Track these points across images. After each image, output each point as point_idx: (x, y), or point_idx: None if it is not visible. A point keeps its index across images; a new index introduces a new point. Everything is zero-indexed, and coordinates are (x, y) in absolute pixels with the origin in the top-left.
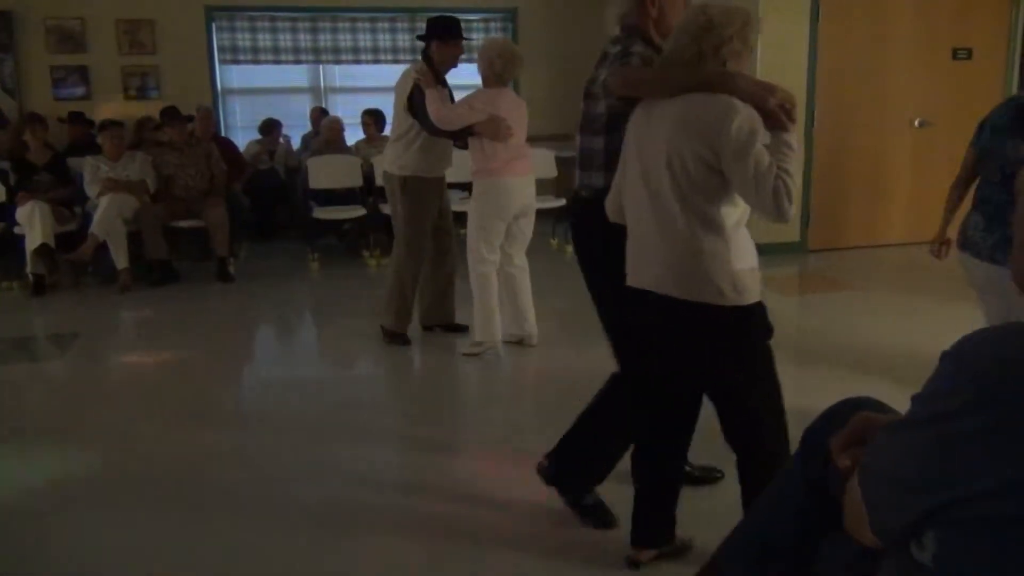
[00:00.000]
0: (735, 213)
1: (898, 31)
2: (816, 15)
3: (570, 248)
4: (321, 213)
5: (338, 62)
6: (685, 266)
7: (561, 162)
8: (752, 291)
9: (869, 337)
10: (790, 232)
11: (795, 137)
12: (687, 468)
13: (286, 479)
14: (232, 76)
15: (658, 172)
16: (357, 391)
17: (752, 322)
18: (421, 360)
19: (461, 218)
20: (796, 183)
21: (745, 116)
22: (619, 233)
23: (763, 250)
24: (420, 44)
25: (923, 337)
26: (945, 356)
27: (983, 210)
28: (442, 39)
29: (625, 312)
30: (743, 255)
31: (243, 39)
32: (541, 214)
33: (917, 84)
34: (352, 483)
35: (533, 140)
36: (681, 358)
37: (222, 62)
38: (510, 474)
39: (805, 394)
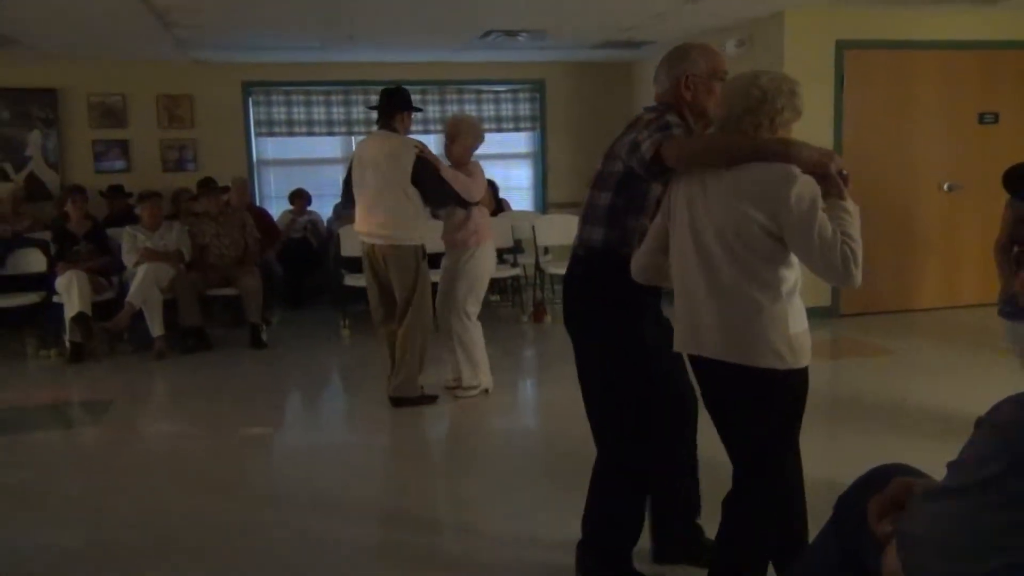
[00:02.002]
0: (791, 277)
1: (923, 96)
2: (840, 81)
3: None
4: (352, 280)
5: (369, 133)
6: (743, 331)
7: None
8: (807, 354)
9: (904, 402)
10: (822, 296)
11: (851, 202)
12: (702, 541)
13: (315, 553)
14: (267, 148)
15: (714, 239)
16: (389, 461)
17: (803, 385)
18: (450, 424)
19: None
20: (860, 246)
21: (804, 184)
22: (623, 289)
23: None
24: (433, 112)
25: (958, 402)
26: (980, 423)
27: None
28: (408, 110)
29: (627, 375)
30: (799, 318)
31: (278, 112)
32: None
33: (944, 148)
34: (377, 559)
35: (559, 207)
36: (727, 421)
37: (258, 135)
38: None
39: (838, 461)
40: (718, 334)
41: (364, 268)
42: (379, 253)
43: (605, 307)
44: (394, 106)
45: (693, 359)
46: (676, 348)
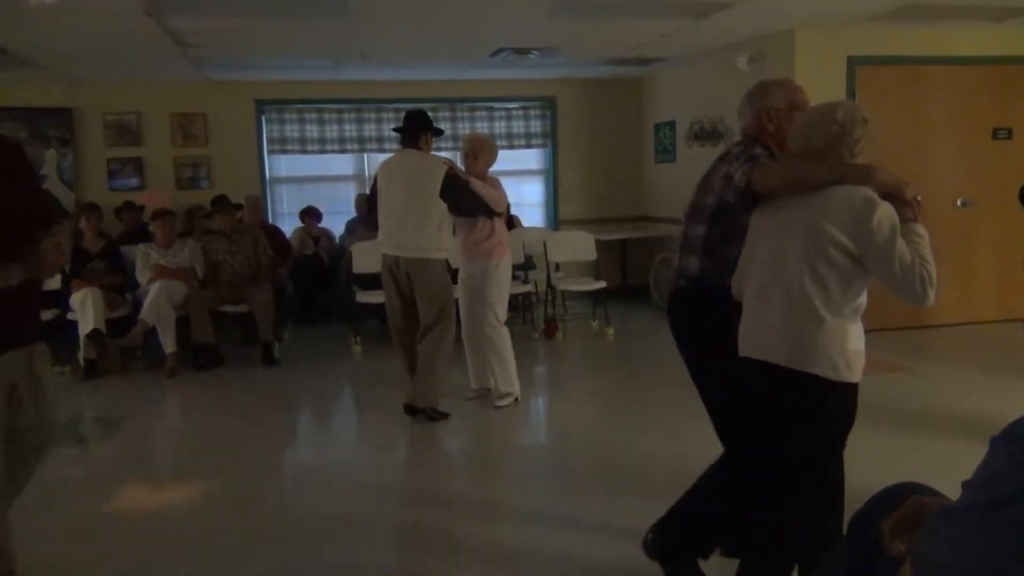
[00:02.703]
0: (859, 299)
1: (936, 112)
2: (852, 98)
3: (611, 330)
4: (364, 297)
5: (381, 151)
6: (806, 340)
7: (600, 245)
8: (859, 371)
9: (921, 419)
10: None
11: (922, 226)
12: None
13: (331, 568)
14: (280, 165)
15: (793, 257)
16: (404, 476)
17: (852, 399)
18: (468, 437)
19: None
20: (934, 268)
21: (884, 210)
22: (718, 317)
23: None
24: (447, 131)
25: (974, 419)
26: (995, 441)
27: None
28: (431, 132)
29: (732, 387)
30: (857, 338)
31: (291, 130)
32: (581, 296)
33: (957, 165)
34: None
35: (570, 223)
36: (779, 426)
37: (271, 152)
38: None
39: (853, 479)
40: (783, 340)
41: (385, 283)
42: (404, 267)
43: (703, 334)
44: (419, 127)
45: (755, 364)
46: (741, 352)
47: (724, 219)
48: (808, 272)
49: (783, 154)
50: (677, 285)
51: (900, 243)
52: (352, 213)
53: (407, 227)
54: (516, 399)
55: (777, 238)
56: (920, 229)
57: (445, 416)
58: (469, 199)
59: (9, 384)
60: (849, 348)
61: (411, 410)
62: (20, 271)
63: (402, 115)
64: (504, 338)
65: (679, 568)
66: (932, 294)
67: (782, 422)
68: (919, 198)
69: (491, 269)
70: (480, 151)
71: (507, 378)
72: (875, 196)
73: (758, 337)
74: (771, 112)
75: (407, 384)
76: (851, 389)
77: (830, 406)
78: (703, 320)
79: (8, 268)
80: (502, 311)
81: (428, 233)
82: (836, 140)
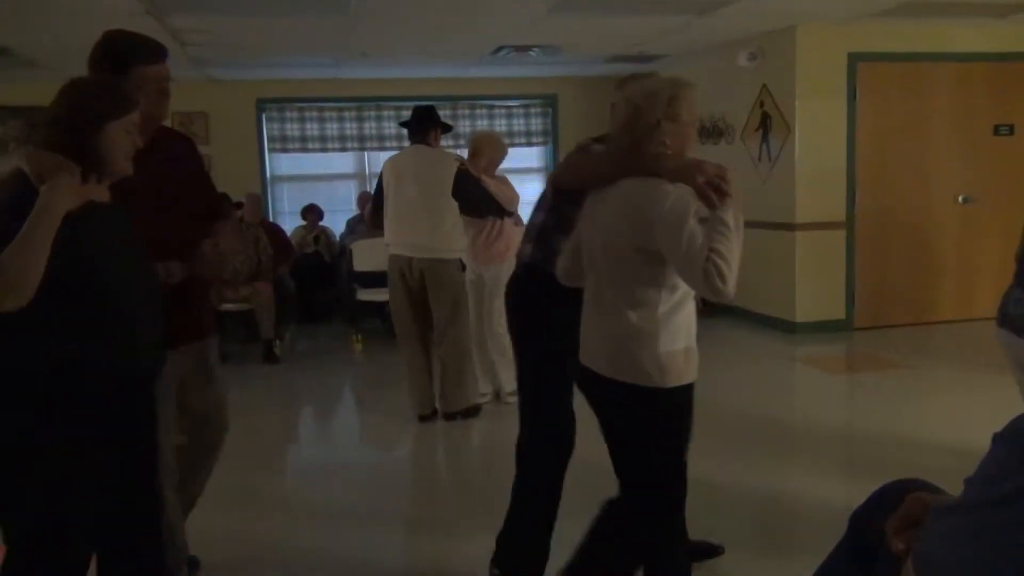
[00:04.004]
0: (670, 296)
1: (938, 108)
2: (853, 93)
3: None
4: (365, 295)
5: (382, 149)
6: (615, 346)
7: None
8: (681, 374)
9: (918, 417)
10: (836, 310)
11: (732, 213)
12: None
13: (331, 565)
14: (281, 164)
15: (600, 256)
16: (407, 474)
17: (679, 405)
18: (472, 434)
19: None
20: (734, 263)
21: (676, 197)
22: (544, 306)
23: (808, 328)
24: (457, 128)
25: (974, 417)
26: (997, 438)
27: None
28: (440, 127)
29: (547, 380)
30: (674, 337)
31: (292, 129)
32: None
33: (959, 161)
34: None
35: None
36: (608, 436)
37: (271, 151)
38: None
39: (853, 476)
40: (598, 348)
41: (393, 285)
42: (417, 268)
43: (528, 322)
44: (429, 121)
45: (585, 371)
46: (580, 358)
47: (559, 210)
48: (612, 274)
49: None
50: (516, 272)
51: (691, 229)
52: (353, 211)
53: (420, 226)
54: None
55: (589, 237)
56: (728, 218)
57: (479, 408)
58: (481, 198)
59: (180, 380)
60: (662, 351)
61: (451, 416)
62: (183, 268)
63: (403, 113)
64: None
65: None
66: (723, 288)
67: (614, 433)
68: (719, 182)
69: (502, 273)
70: (481, 148)
71: (510, 376)
72: (667, 184)
73: (584, 342)
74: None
75: (416, 386)
76: (672, 395)
77: (651, 415)
78: (529, 307)
79: (171, 265)
80: None
81: (443, 233)
82: (632, 121)
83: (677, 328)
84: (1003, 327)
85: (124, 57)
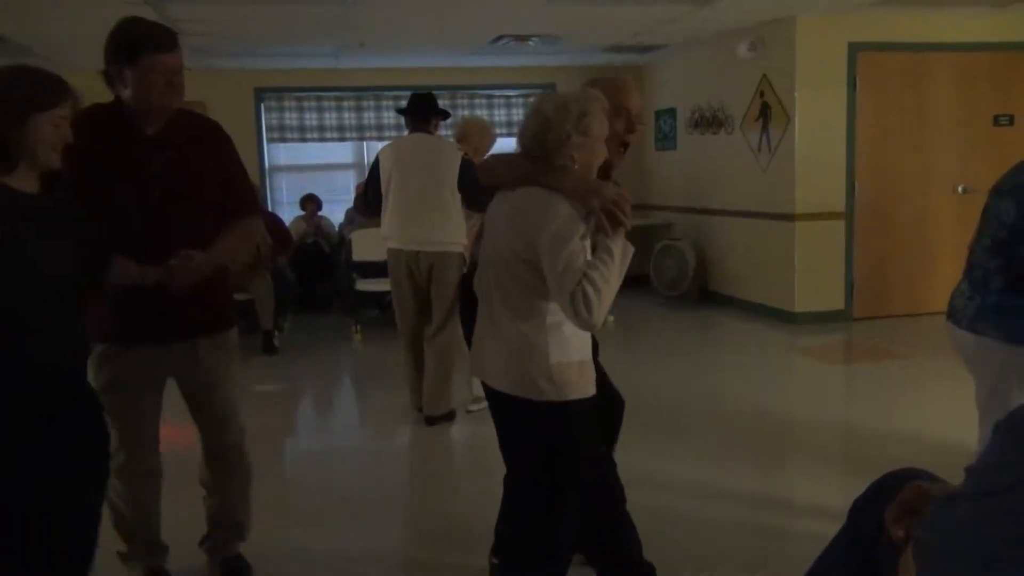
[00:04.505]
0: (559, 309)
1: (937, 99)
2: (853, 84)
3: (611, 318)
4: (364, 285)
5: (381, 138)
6: (506, 359)
7: None
8: (575, 387)
9: (916, 407)
10: (834, 300)
11: (620, 244)
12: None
13: (330, 554)
14: (279, 154)
15: (492, 266)
16: (405, 463)
17: (570, 419)
18: (469, 426)
19: None
20: (607, 295)
21: (565, 215)
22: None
23: (807, 318)
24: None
25: (974, 407)
26: (999, 427)
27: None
28: (440, 115)
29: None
30: (566, 349)
31: (290, 118)
32: None
33: (959, 151)
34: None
35: None
36: (508, 449)
37: (270, 141)
38: None
39: (852, 466)
40: (490, 361)
41: (398, 282)
42: (425, 262)
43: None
44: (430, 109)
45: (485, 385)
46: (472, 373)
47: None
48: (502, 283)
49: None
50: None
51: (571, 251)
52: (352, 201)
53: (428, 219)
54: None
55: (486, 244)
56: (615, 248)
57: (453, 415)
58: (483, 189)
59: (177, 379)
60: (553, 363)
61: (432, 420)
62: (207, 260)
63: (403, 103)
64: None
65: None
66: (588, 318)
67: (508, 447)
68: (615, 209)
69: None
70: (468, 134)
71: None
72: (559, 200)
73: (475, 356)
74: None
75: (413, 386)
76: (565, 408)
77: (544, 429)
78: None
79: (149, 269)
80: None
81: (451, 225)
82: (543, 134)
83: (567, 340)
84: (949, 320)
85: (132, 45)
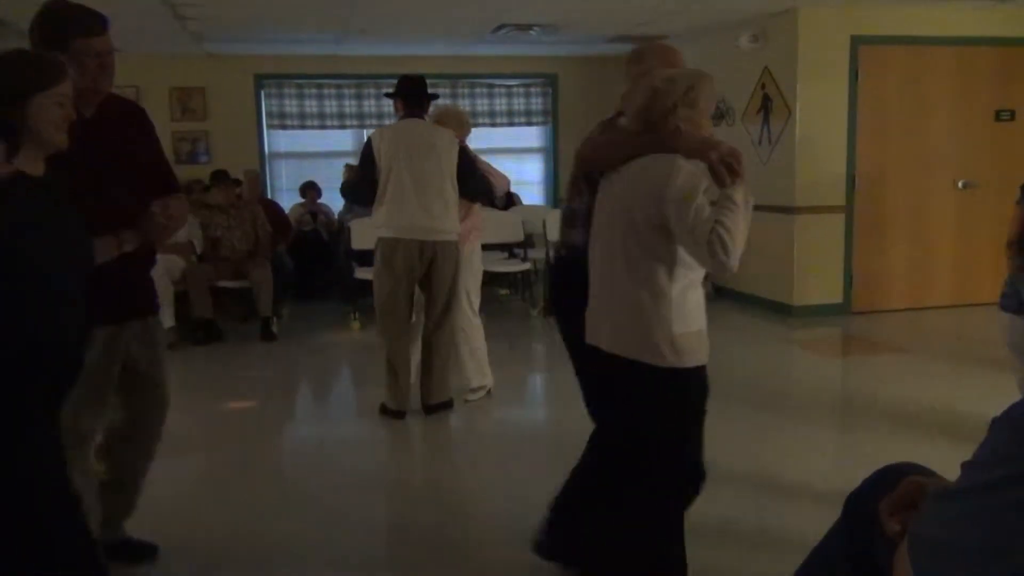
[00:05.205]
0: (683, 279)
1: (939, 92)
2: (855, 76)
3: None
4: (363, 273)
5: (381, 126)
6: (629, 326)
7: None
8: (694, 355)
9: (913, 401)
10: (833, 293)
11: (741, 192)
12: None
13: (327, 541)
14: (279, 141)
15: (613, 236)
16: (402, 452)
17: (690, 385)
18: (467, 412)
19: None
20: (739, 237)
21: (687, 172)
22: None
23: (806, 312)
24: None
25: (970, 402)
26: (995, 422)
27: None
28: (431, 99)
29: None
30: (687, 319)
31: (290, 105)
32: None
33: (960, 145)
34: (393, 542)
35: None
36: (624, 413)
37: (270, 127)
38: None
39: (848, 459)
40: (611, 328)
41: (397, 274)
42: (429, 252)
43: (567, 306)
44: (425, 93)
45: (595, 351)
46: (586, 339)
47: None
48: (624, 253)
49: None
50: (559, 254)
51: (699, 203)
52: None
53: (432, 208)
54: (489, 391)
55: (603, 217)
56: (736, 195)
57: (451, 403)
58: (479, 180)
59: (125, 355)
60: (676, 332)
61: (432, 409)
62: (137, 236)
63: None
64: (478, 329)
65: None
66: (727, 260)
67: (623, 410)
68: (731, 161)
69: (468, 256)
70: (444, 123)
71: (478, 370)
72: (679, 160)
73: (592, 322)
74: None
75: (401, 382)
76: (687, 375)
77: (663, 394)
78: (582, 290)
79: (125, 233)
80: (477, 298)
81: (452, 214)
82: (649, 104)
83: (689, 310)
84: (1000, 308)
85: (61, 30)
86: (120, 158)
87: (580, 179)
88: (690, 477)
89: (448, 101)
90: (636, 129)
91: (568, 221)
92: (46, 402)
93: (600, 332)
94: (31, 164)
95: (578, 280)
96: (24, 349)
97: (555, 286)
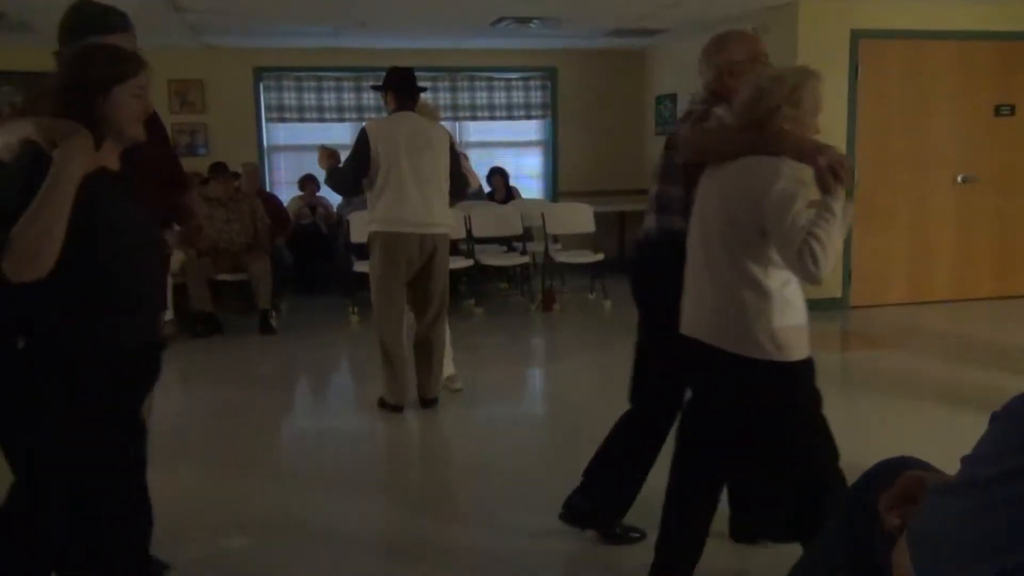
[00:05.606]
0: (783, 274)
1: (939, 87)
2: (855, 71)
3: (608, 302)
4: (362, 267)
5: (397, 114)
6: (730, 319)
7: (599, 217)
8: (796, 349)
9: (911, 396)
10: (831, 288)
11: (840, 203)
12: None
13: (327, 534)
14: (278, 133)
15: (714, 230)
16: (399, 446)
17: (793, 379)
18: (465, 408)
19: None
20: (831, 250)
21: (788, 177)
22: (669, 276)
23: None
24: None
25: (969, 397)
26: (995, 417)
27: None
28: (419, 92)
29: (676, 356)
30: (787, 313)
31: (289, 98)
32: (579, 268)
33: (959, 140)
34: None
35: (573, 196)
36: (723, 406)
37: (269, 120)
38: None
39: (846, 454)
40: (711, 319)
41: (396, 269)
42: (430, 245)
43: (660, 290)
44: (414, 87)
45: (694, 342)
46: (681, 330)
47: (696, 179)
48: (725, 249)
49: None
50: (649, 237)
51: (797, 210)
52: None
53: (432, 201)
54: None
55: (704, 209)
56: (835, 205)
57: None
58: (460, 178)
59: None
60: (776, 326)
61: (429, 403)
62: (177, 238)
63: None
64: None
65: (608, 531)
66: (815, 271)
67: (724, 405)
68: (838, 168)
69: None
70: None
71: (450, 360)
72: (782, 164)
73: (690, 314)
74: (731, 66)
75: (402, 377)
76: (788, 368)
77: (769, 387)
78: (659, 276)
79: (167, 234)
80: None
81: (447, 208)
82: (754, 103)
83: (789, 304)
84: None
85: (87, 30)
86: (148, 154)
87: (679, 167)
88: (825, 473)
89: (448, 94)
90: (740, 126)
91: (664, 207)
92: (125, 403)
93: (699, 324)
94: (109, 158)
95: (671, 266)
96: (104, 350)
97: (643, 270)
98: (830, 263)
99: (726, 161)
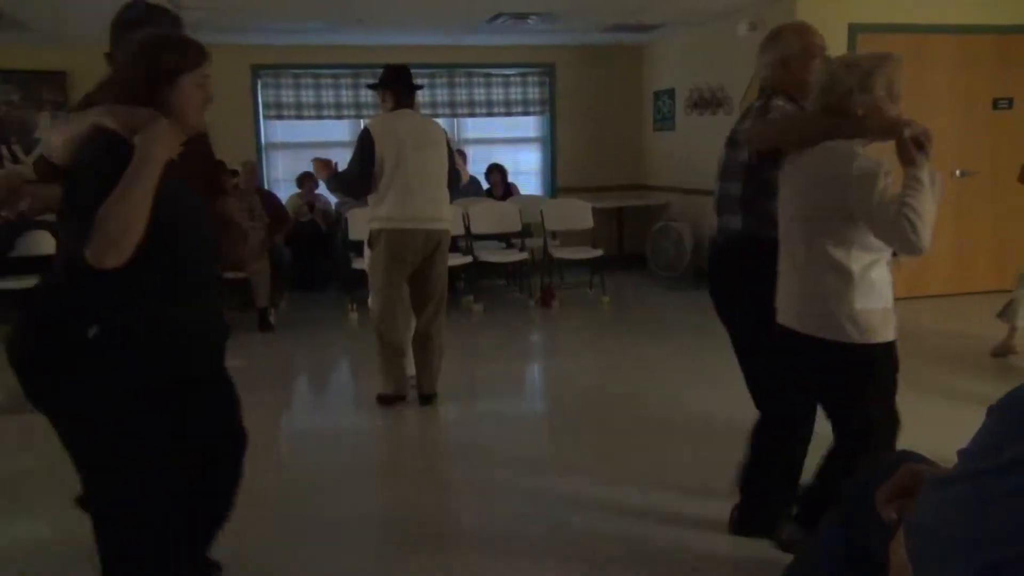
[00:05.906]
0: (865, 258)
1: (937, 81)
2: None
3: (607, 298)
4: (361, 264)
5: (397, 112)
6: (813, 305)
7: (597, 213)
8: (880, 331)
9: (910, 390)
10: None
11: (926, 172)
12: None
13: (327, 530)
14: (276, 131)
15: (796, 219)
16: (399, 442)
17: (877, 361)
18: (458, 403)
19: None
20: (927, 217)
21: (866, 157)
22: (757, 275)
23: None
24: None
25: (967, 390)
26: (992, 411)
27: None
28: (417, 90)
29: (767, 348)
30: (871, 296)
31: (287, 95)
32: (578, 264)
33: (957, 134)
34: (388, 535)
35: (572, 192)
36: (815, 390)
37: (266, 118)
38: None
39: None
40: (799, 307)
41: (400, 266)
42: (433, 240)
43: (747, 288)
44: (411, 84)
45: (783, 329)
46: (778, 319)
47: (756, 176)
48: (806, 235)
49: (806, 103)
50: (716, 241)
51: (881, 187)
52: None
53: (436, 197)
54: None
55: (787, 198)
56: (921, 175)
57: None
58: (454, 174)
59: None
60: (857, 308)
61: (430, 399)
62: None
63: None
64: None
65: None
66: (917, 240)
67: (815, 387)
68: (923, 139)
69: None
70: None
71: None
72: (856, 148)
73: (785, 305)
74: (786, 60)
75: (401, 371)
76: (872, 350)
77: (853, 369)
78: (748, 276)
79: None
80: None
81: (448, 204)
82: (827, 89)
83: (872, 287)
84: None
85: (131, 29)
86: (194, 155)
87: (741, 164)
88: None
89: (446, 91)
90: (816, 111)
91: (725, 207)
92: (186, 397)
93: (790, 312)
94: (176, 148)
95: (737, 267)
96: (172, 340)
97: (714, 280)
98: (928, 231)
99: (806, 146)
